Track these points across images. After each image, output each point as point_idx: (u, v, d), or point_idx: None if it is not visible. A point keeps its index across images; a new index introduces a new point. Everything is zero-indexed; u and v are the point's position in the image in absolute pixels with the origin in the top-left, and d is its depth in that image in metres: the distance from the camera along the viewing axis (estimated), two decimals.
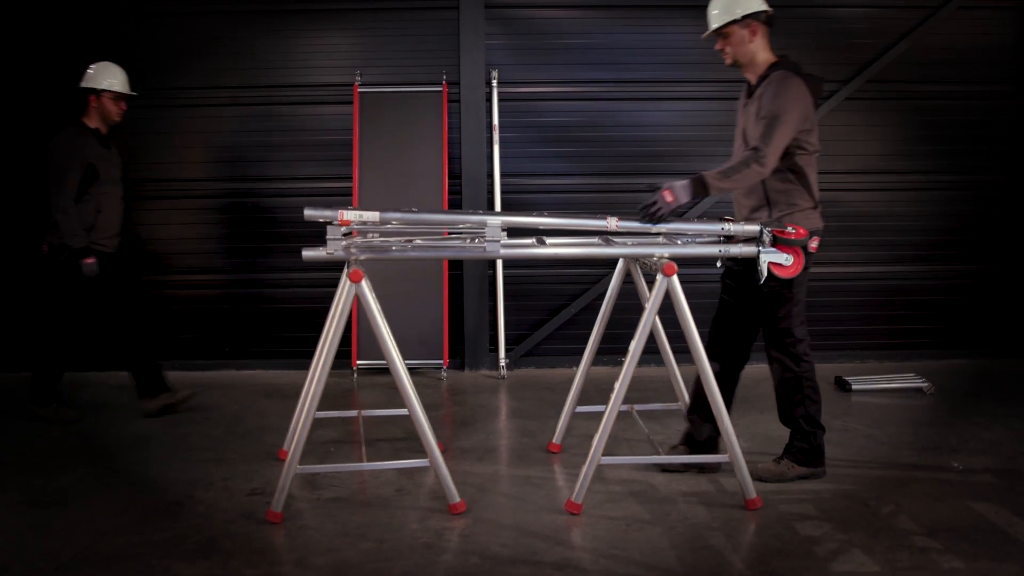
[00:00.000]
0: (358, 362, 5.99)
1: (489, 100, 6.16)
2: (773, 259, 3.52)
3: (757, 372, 4.49)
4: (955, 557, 3.11)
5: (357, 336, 6.01)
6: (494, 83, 6.13)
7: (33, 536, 3.39)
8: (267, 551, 3.25)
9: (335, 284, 6.07)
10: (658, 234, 3.69)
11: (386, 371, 6.03)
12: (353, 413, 4.83)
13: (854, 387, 5.50)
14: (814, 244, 3.67)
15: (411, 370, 6.03)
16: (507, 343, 6.17)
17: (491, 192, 6.17)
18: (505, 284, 6.17)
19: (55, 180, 4.82)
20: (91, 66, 5.05)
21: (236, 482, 3.95)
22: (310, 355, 6.21)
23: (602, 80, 6.25)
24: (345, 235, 3.60)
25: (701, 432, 4.02)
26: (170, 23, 6.20)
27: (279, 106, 6.26)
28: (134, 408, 5.21)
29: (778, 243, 3.51)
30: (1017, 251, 6.44)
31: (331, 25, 6.25)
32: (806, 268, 3.63)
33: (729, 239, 3.59)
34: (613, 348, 6.29)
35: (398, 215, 3.57)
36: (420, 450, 4.27)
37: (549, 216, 3.69)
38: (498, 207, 6.12)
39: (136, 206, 6.25)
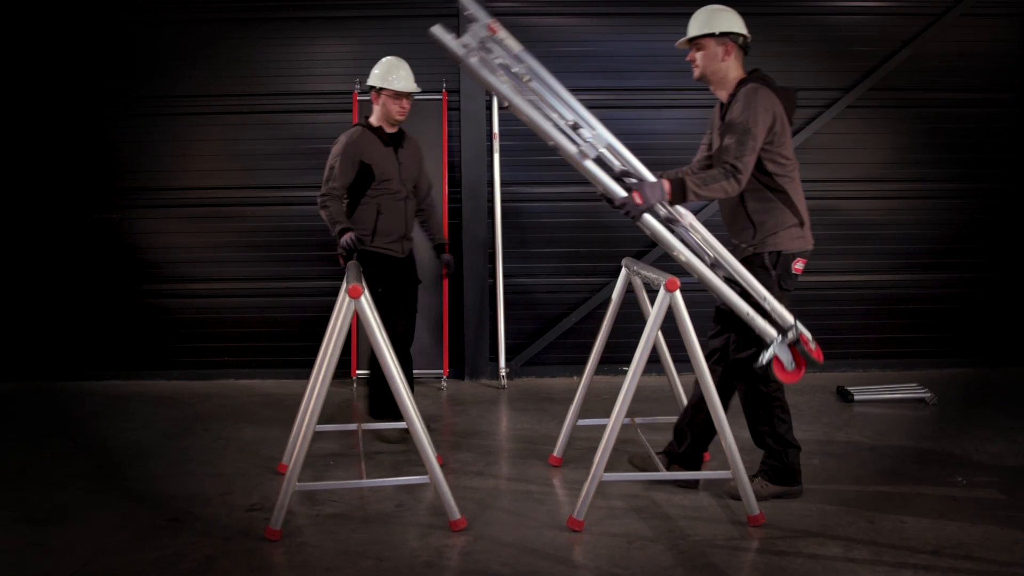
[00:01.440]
0: (358, 372, 5.96)
1: (489, 108, 6.14)
2: (781, 355, 3.51)
3: None
4: None
5: (357, 346, 5.98)
6: None
7: (31, 554, 3.35)
8: (266, 570, 3.22)
9: (337, 293, 6.12)
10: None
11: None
12: (353, 426, 4.80)
13: (856, 397, 5.47)
14: (798, 266, 3.67)
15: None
16: (507, 352, 6.14)
17: (491, 201, 6.14)
18: (505, 293, 6.15)
19: (328, 175, 4.74)
20: (378, 64, 4.83)
21: (235, 497, 3.91)
22: (310, 365, 6.19)
23: (602, 88, 6.23)
24: None
25: (681, 446, 4.01)
26: (169, 30, 6.18)
27: (278, 114, 6.24)
28: (131, 419, 5.19)
29: (795, 347, 3.50)
30: (1019, 259, 6.42)
31: (330, 33, 6.23)
32: (786, 291, 3.68)
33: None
34: (614, 358, 6.28)
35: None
36: (420, 463, 4.26)
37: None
38: (498, 216, 6.09)
39: (134, 214, 6.27)
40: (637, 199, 3.43)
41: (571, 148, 3.43)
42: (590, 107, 6.10)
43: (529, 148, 6.24)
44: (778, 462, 3.79)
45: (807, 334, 3.55)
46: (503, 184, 6.15)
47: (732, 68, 3.74)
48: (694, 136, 6.23)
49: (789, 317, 3.52)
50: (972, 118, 6.33)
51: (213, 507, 3.80)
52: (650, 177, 3.55)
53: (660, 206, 3.55)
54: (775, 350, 3.50)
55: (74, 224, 6.25)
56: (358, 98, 6.09)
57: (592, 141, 3.51)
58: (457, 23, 6.10)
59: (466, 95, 6.12)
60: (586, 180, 6.23)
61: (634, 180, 3.57)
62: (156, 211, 6.27)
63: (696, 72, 3.79)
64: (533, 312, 6.31)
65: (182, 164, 6.26)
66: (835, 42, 6.22)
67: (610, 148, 3.61)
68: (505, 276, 6.16)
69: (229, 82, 6.21)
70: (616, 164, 3.68)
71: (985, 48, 6.28)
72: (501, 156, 6.14)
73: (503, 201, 6.15)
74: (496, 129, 6.11)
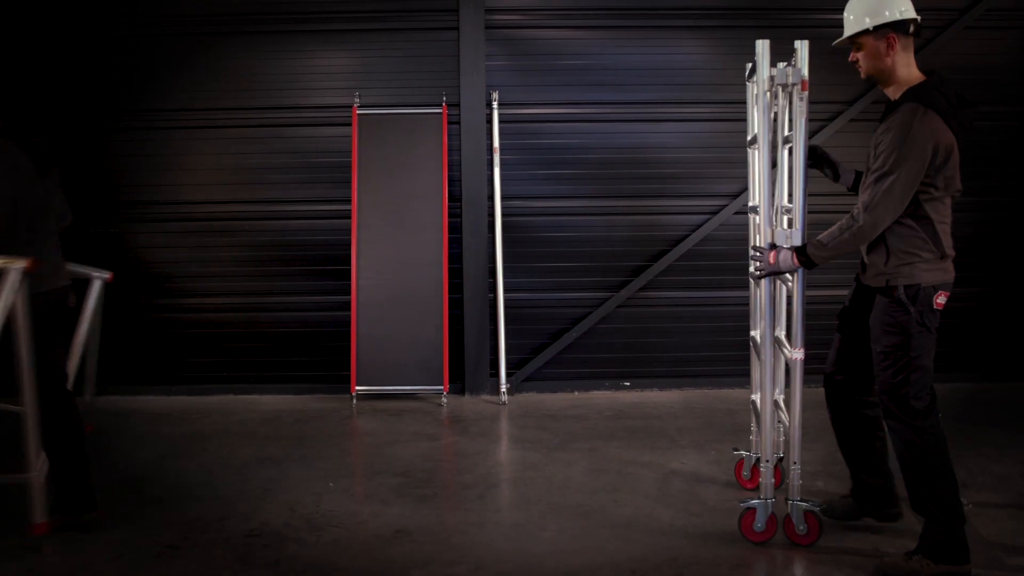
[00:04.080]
0: (357, 388, 5.92)
1: (489, 122, 6.10)
2: None
3: None
4: None
5: (356, 362, 5.94)
6: (495, 104, 6.07)
7: None
8: None
9: (337, 307, 6.11)
10: None
11: (386, 397, 6.00)
12: None
13: None
14: (940, 299, 3.32)
15: (410, 396, 6.02)
16: (508, 367, 6.10)
17: (492, 215, 6.10)
18: (506, 308, 6.10)
19: None
20: None
21: (233, 522, 3.87)
22: (310, 380, 6.22)
23: (604, 101, 6.19)
24: None
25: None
26: (168, 44, 6.14)
27: (277, 128, 6.20)
28: (130, 437, 5.15)
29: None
30: (1022, 272, 6.37)
31: (330, 46, 6.19)
32: (926, 328, 3.32)
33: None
34: (616, 373, 6.26)
35: None
36: (422, 487, 4.22)
37: None
38: (498, 230, 6.05)
39: (133, 229, 6.23)
40: (771, 258, 3.44)
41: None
42: (593, 120, 6.18)
43: (529, 162, 6.20)
44: (940, 535, 3.21)
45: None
46: (503, 198, 6.11)
47: (900, 64, 3.24)
48: (696, 150, 6.24)
49: None
50: (976, 131, 6.25)
51: (211, 533, 3.76)
52: (796, 242, 3.46)
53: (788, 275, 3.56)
54: None
55: (72, 239, 6.19)
56: (357, 112, 6.05)
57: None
58: (457, 36, 6.07)
59: (466, 108, 6.08)
60: (587, 195, 6.24)
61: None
62: (155, 225, 6.23)
63: (862, 73, 3.42)
64: (534, 327, 6.26)
65: (181, 178, 6.22)
66: (838, 55, 6.14)
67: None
68: (505, 291, 6.11)
69: (228, 96, 6.17)
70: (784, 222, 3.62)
71: (989, 61, 6.24)
72: (501, 170, 6.10)
73: (503, 215, 6.11)
74: (496, 143, 6.07)
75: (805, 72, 3.39)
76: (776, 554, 3.50)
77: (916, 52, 6.23)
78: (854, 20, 3.29)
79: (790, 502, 3.55)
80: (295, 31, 6.14)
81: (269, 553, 3.53)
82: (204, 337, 6.26)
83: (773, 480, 3.61)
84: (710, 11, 6.15)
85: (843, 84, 6.14)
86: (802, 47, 3.41)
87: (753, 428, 4.23)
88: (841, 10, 6.27)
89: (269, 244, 6.24)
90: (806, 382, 6.39)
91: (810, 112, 5.77)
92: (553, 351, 6.21)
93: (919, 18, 3.13)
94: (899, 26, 3.17)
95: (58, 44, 6.12)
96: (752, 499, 3.62)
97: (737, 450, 4.32)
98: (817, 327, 6.16)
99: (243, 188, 6.24)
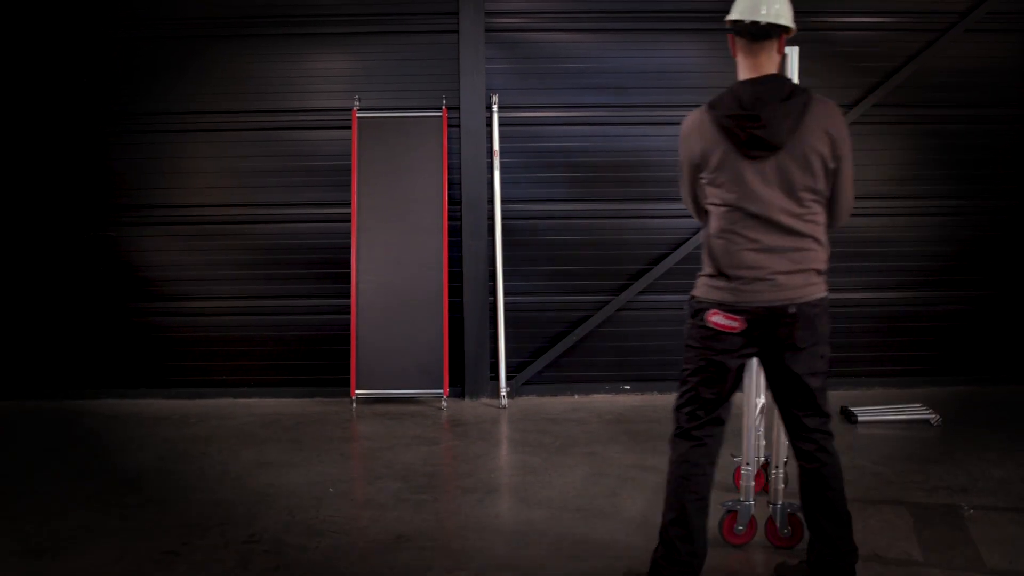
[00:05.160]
0: (357, 391, 5.91)
1: (489, 125, 6.09)
2: None
3: None
4: None
5: (356, 365, 5.93)
6: (495, 108, 6.06)
7: None
8: None
9: (336, 311, 6.11)
10: None
11: (386, 401, 6.00)
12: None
13: (860, 419, 5.42)
14: (715, 318, 2.94)
15: (410, 399, 6.01)
16: (508, 371, 6.09)
17: (492, 218, 6.09)
18: (506, 311, 6.09)
19: None
20: None
21: (232, 528, 3.86)
22: (309, 383, 6.22)
23: (604, 104, 6.18)
24: None
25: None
26: (167, 47, 6.13)
27: (276, 131, 6.19)
28: (128, 440, 5.14)
29: None
30: (1023, 275, 6.38)
31: (329, 49, 6.18)
32: (692, 344, 3.04)
33: None
34: (616, 376, 6.25)
35: None
36: (422, 492, 4.21)
37: None
38: (499, 233, 6.05)
39: (131, 232, 6.22)
40: None
41: None
42: (593, 123, 6.18)
43: (530, 165, 6.20)
44: (655, 551, 3.13)
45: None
46: (503, 201, 6.10)
47: (739, 65, 3.01)
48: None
49: None
50: (976, 134, 6.29)
51: (210, 538, 3.75)
52: None
53: None
54: None
55: (70, 241, 6.20)
56: (357, 115, 6.04)
57: None
58: (456, 39, 6.07)
59: (466, 111, 6.07)
60: (587, 198, 6.23)
61: None
62: (153, 228, 6.22)
63: None
64: (534, 330, 6.25)
65: (180, 181, 6.21)
66: (839, 58, 6.18)
67: None
68: (506, 294, 6.10)
69: (227, 99, 6.16)
70: None
71: (990, 64, 6.23)
72: (501, 173, 6.09)
73: (504, 218, 6.10)
74: (496, 146, 6.06)
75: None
76: (774, 557, 3.49)
77: (917, 54, 6.30)
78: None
79: (772, 505, 3.57)
80: (295, 34, 6.13)
81: (269, 559, 3.52)
82: (203, 340, 6.24)
83: (754, 484, 3.63)
84: (711, 14, 6.11)
85: (844, 87, 6.14)
86: (792, 54, 3.40)
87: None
88: (843, 14, 6.34)
89: (269, 247, 6.23)
90: None
91: None
92: (553, 354, 6.21)
93: (746, 20, 2.91)
94: (734, 27, 2.98)
95: (56, 46, 6.10)
96: (733, 501, 3.64)
97: (735, 456, 4.30)
98: (831, 331, 6.20)
99: (242, 191, 6.23)
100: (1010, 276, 6.37)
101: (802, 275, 2.92)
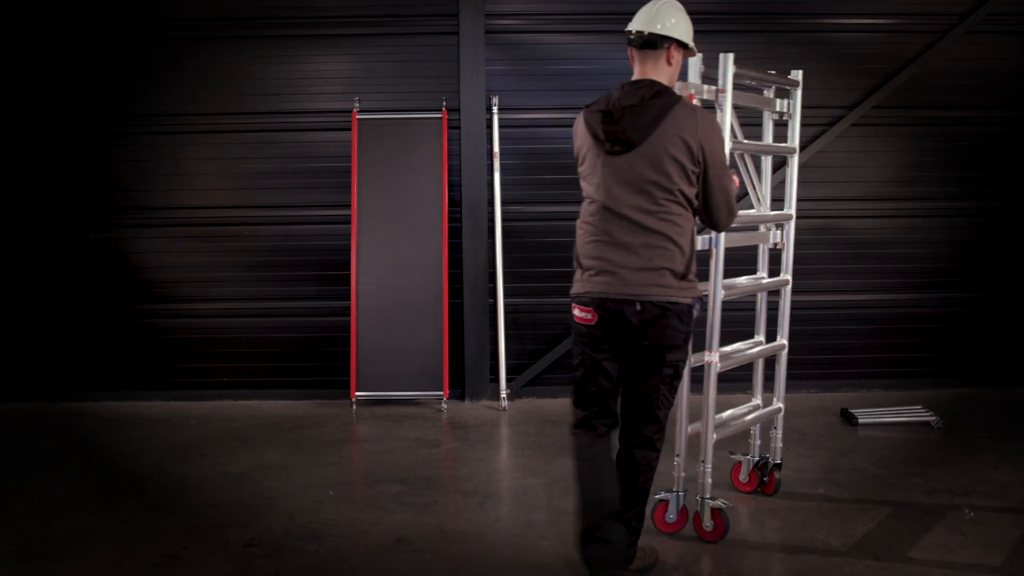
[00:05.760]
0: (357, 393, 5.90)
1: (489, 126, 6.08)
2: None
3: None
4: None
5: (356, 367, 5.92)
6: (495, 109, 6.05)
7: None
8: None
9: (336, 313, 6.10)
10: None
11: (386, 403, 6.00)
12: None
13: (860, 420, 5.42)
14: (576, 312, 3.11)
15: (410, 402, 6.01)
16: (508, 372, 6.08)
17: (492, 220, 6.09)
18: (506, 313, 6.09)
19: None
20: None
21: (232, 531, 3.85)
22: (309, 385, 6.21)
23: None
24: None
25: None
26: (166, 48, 6.12)
27: (276, 132, 6.18)
28: (128, 443, 5.13)
29: None
30: (1023, 277, 6.37)
31: (329, 50, 6.17)
32: (574, 341, 3.20)
33: None
34: None
35: None
36: (422, 494, 4.21)
37: None
38: (499, 235, 6.04)
39: (130, 233, 6.21)
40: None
41: None
42: None
43: (530, 167, 6.19)
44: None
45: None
46: (503, 203, 6.09)
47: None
48: None
49: None
50: (977, 136, 6.28)
51: (210, 542, 3.74)
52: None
53: None
54: None
55: (69, 243, 6.20)
56: (357, 116, 6.03)
57: None
58: (456, 41, 6.06)
59: (466, 113, 6.06)
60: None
61: None
62: (153, 230, 6.21)
63: None
64: (534, 332, 6.25)
65: (179, 183, 6.20)
66: (839, 60, 6.17)
67: None
68: (505, 296, 6.10)
69: (227, 100, 6.15)
70: None
71: (990, 66, 6.23)
72: (502, 175, 6.08)
73: (504, 220, 6.09)
74: (496, 147, 6.05)
75: (723, 83, 3.50)
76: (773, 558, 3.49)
77: (917, 56, 6.30)
78: None
79: (699, 498, 3.66)
80: (295, 35, 6.12)
81: (269, 563, 3.51)
82: (203, 342, 6.24)
83: (684, 474, 3.74)
84: (709, 16, 6.13)
85: (844, 89, 6.14)
86: (726, 60, 3.49)
87: (752, 432, 4.25)
88: (839, 15, 6.34)
89: (268, 249, 6.22)
90: (806, 387, 6.36)
91: (811, 118, 5.81)
92: (553, 356, 6.20)
93: (632, 31, 3.10)
94: (626, 36, 3.16)
95: (56, 48, 6.10)
96: (665, 492, 3.74)
97: (733, 454, 4.33)
98: (825, 332, 6.21)
99: (242, 193, 6.22)
100: (1010, 278, 6.37)
101: (652, 273, 2.99)
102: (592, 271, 3.07)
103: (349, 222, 6.01)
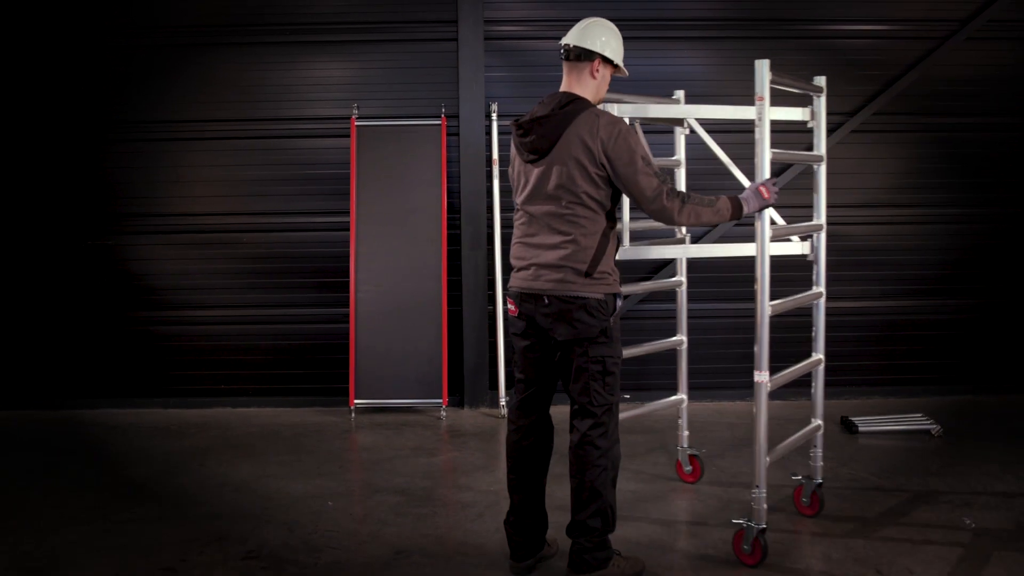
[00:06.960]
0: (356, 401, 5.89)
1: (489, 133, 6.08)
2: None
3: None
4: None
5: (355, 375, 5.91)
6: (494, 116, 6.04)
7: None
8: None
9: (335, 320, 6.08)
10: None
11: (385, 410, 5.98)
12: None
13: (861, 428, 5.40)
14: (509, 306, 3.42)
15: (409, 409, 5.99)
16: (507, 380, 6.07)
17: (491, 227, 6.07)
18: (505, 319, 6.08)
19: None
20: None
21: (230, 543, 3.83)
22: (308, 393, 6.20)
23: None
24: None
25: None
26: (165, 55, 6.12)
27: (275, 139, 6.18)
28: (126, 452, 5.12)
29: None
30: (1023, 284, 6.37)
31: (328, 57, 6.17)
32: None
33: None
34: (620, 385, 6.21)
35: None
36: (422, 505, 4.19)
37: None
38: (498, 243, 6.03)
39: (129, 240, 6.21)
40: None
41: None
42: None
43: None
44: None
45: None
46: (503, 210, 6.08)
47: None
48: (700, 161, 6.17)
49: None
50: (977, 143, 6.27)
51: (209, 554, 3.72)
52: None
53: None
54: None
55: (68, 250, 6.19)
56: (356, 123, 6.02)
57: None
58: (456, 48, 6.05)
59: (465, 120, 6.05)
60: None
61: None
62: (152, 237, 6.21)
63: None
64: None
65: (178, 190, 6.20)
66: (839, 66, 6.15)
67: None
68: (504, 303, 6.08)
69: (226, 107, 6.15)
70: None
71: (990, 72, 6.22)
72: (500, 182, 6.07)
73: (503, 227, 6.08)
74: (496, 154, 6.04)
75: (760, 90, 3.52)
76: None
77: (918, 62, 6.29)
78: None
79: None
80: (294, 42, 6.11)
81: None
82: (201, 350, 6.23)
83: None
84: (712, 22, 6.13)
85: (844, 95, 6.12)
86: (762, 66, 3.51)
87: (812, 452, 4.16)
88: (844, 22, 6.32)
89: (267, 256, 6.21)
90: (805, 395, 6.30)
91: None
92: None
93: (561, 45, 3.38)
94: (559, 49, 3.41)
95: (54, 54, 6.09)
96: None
97: (796, 476, 4.19)
98: (830, 339, 6.20)
99: (240, 200, 6.21)
100: (1012, 285, 6.36)
101: (561, 271, 3.21)
102: (515, 268, 3.38)
103: (348, 229, 6.00)
